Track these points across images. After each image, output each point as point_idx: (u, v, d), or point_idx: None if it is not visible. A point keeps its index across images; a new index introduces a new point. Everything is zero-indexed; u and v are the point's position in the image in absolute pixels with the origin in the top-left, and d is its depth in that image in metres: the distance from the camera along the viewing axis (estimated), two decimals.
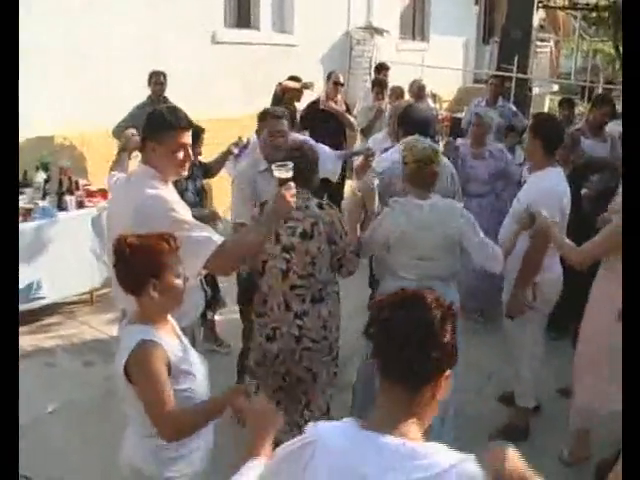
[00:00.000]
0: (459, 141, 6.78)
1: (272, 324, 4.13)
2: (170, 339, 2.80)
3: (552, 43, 19.05)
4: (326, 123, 8.22)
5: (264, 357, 4.19)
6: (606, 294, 4.15)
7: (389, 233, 4.18)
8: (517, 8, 13.00)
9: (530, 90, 13.40)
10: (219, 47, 9.74)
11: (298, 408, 4.27)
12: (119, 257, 2.75)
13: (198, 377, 2.86)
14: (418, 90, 10.16)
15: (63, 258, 6.27)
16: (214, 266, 3.30)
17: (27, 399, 4.92)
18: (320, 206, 4.04)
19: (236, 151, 5.72)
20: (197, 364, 2.90)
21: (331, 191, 7.86)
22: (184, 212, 3.32)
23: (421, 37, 15.71)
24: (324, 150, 6.14)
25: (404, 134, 5.05)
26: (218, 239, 3.23)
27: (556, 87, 19.13)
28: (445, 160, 4.99)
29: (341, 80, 8.64)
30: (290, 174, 3.32)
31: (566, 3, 15.46)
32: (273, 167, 3.35)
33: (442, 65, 14.20)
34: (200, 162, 5.72)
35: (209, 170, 5.88)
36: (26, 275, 5.91)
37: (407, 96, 9.56)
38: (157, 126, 3.38)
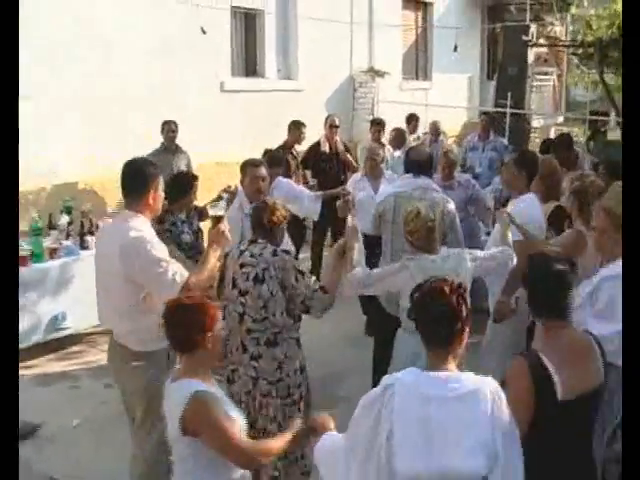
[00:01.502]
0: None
1: (231, 366, 4.34)
2: (215, 389, 3.09)
3: (555, 76, 19.63)
4: (326, 163, 8.87)
5: (231, 399, 4.25)
6: None
7: (403, 286, 4.32)
8: (512, 46, 13.70)
9: (528, 123, 14.02)
10: (227, 95, 10.41)
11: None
12: (173, 319, 3.03)
13: (238, 419, 3.10)
14: (435, 130, 11.16)
15: (86, 292, 6.71)
16: None
17: (56, 414, 5.70)
18: (274, 253, 4.24)
19: (225, 196, 5.97)
20: (234, 409, 3.17)
21: (313, 229, 8.60)
22: (161, 250, 3.92)
23: (424, 76, 16.29)
24: (303, 191, 6.89)
25: (406, 172, 5.94)
26: (183, 275, 3.84)
27: (561, 118, 19.67)
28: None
29: (337, 123, 9.26)
30: (222, 212, 4.02)
31: (554, 41, 16.08)
32: (208, 206, 4.08)
33: (447, 101, 14.80)
34: (195, 207, 6.06)
35: (203, 213, 6.05)
36: (52, 307, 6.60)
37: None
38: (138, 177, 4.02)
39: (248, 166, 5.66)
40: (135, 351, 4.02)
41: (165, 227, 5.49)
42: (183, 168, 8.31)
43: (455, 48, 13.62)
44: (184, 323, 3.00)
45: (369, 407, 2.65)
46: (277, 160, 6.94)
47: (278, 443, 3.15)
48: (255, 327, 4.24)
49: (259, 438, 4.08)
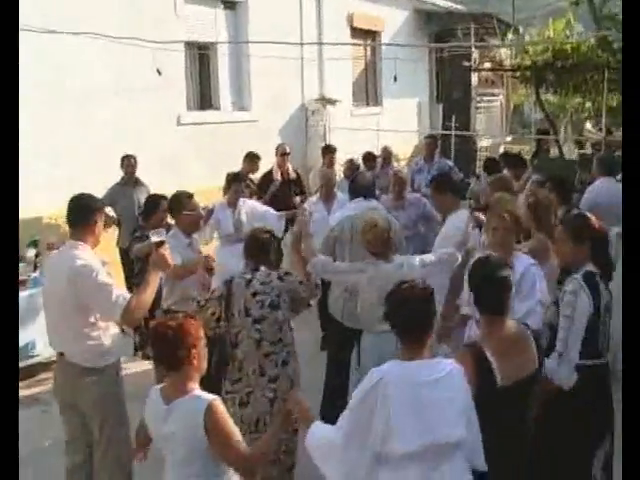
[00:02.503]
0: (383, 197, 7.92)
1: (247, 389, 4.53)
2: None
3: (502, 97, 20.36)
4: (278, 190, 9.32)
5: (241, 423, 4.35)
6: None
7: (361, 286, 5.00)
8: (456, 71, 14.38)
9: (474, 143, 14.65)
10: (183, 128, 10.86)
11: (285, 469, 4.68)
12: (159, 339, 3.17)
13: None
14: (387, 154, 11.44)
15: None
16: (125, 320, 4.34)
17: (27, 437, 5.99)
18: (280, 279, 4.60)
19: (204, 217, 6.73)
20: None
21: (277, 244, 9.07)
22: (105, 276, 4.31)
23: (374, 102, 16.83)
24: (267, 210, 7.47)
25: (352, 197, 6.51)
26: (125, 297, 4.23)
27: (509, 137, 20.39)
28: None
29: (287, 151, 9.79)
30: (163, 237, 4.41)
31: (497, 65, 16.79)
32: (150, 233, 4.45)
33: (397, 126, 15.41)
34: (169, 225, 6.39)
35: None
36: (23, 336, 6.89)
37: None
38: (83, 210, 4.45)
39: (182, 198, 5.88)
40: (88, 368, 4.38)
41: (135, 235, 6.57)
42: (143, 200, 8.68)
43: (395, 79, 14.16)
44: (170, 342, 3.14)
45: (364, 399, 3.05)
46: (237, 176, 7.90)
47: (268, 441, 3.38)
48: (272, 349, 4.54)
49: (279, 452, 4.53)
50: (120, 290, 4.33)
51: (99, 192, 8.29)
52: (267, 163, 9.75)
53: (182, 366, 3.17)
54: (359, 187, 6.55)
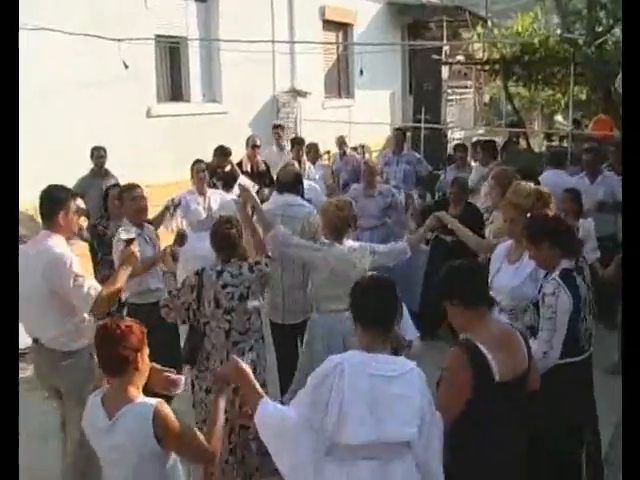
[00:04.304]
0: (354, 185, 8.04)
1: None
2: None
3: (474, 89, 20.48)
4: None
5: (205, 407, 4.60)
6: None
7: (316, 263, 5.06)
8: (427, 64, 14.45)
9: (445, 136, 14.78)
10: (154, 120, 10.91)
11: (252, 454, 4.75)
12: (104, 344, 3.10)
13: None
14: (341, 144, 11.75)
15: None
16: (96, 310, 4.47)
17: None
18: (251, 270, 4.73)
19: (172, 209, 6.88)
20: None
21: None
22: (78, 266, 4.44)
23: (346, 94, 16.94)
24: (236, 199, 7.57)
25: (278, 192, 6.26)
26: (97, 289, 4.38)
27: (482, 130, 20.49)
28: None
29: (258, 143, 9.90)
30: (132, 235, 4.57)
31: (468, 58, 16.97)
32: (120, 230, 4.60)
33: (370, 118, 15.46)
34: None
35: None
36: None
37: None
38: (54, 201, 4.55)
39: (126, 190, 5.96)
40: (64, 351, 4.55)
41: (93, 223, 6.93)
42: None
43: (361, 72, 14.25)
44: (114, 346, 3.07)
45: (320, 383, 3.01)
46: (197, 161, 8.02)
47: (215, 427, 3.27)
48: (240, 339, 4.70)
49: (242, 443, 4.67)
50: (91, 281, 4.48)
51: (69, 184, 8.34)
52: (236, 156, 9.76)
53: (127, 370, 3.10)
54: (277, 181, 6.53)
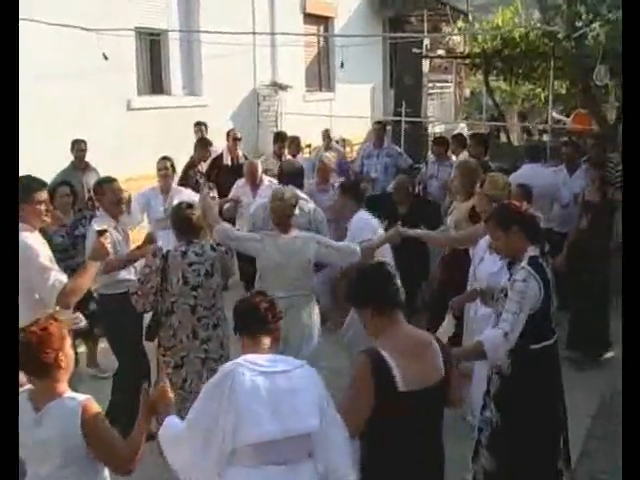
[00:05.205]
0: (310, 181, 8.12)
1: (181, 353, 4.91)
2: None
3: (454, 84, 20.54)
4: (229, 175, 9.37)
5: (172, 383, 4.71)
6: None
7: (256, 254, 5.29)
8: (407, 58, 14.47)
9: (425, 130, 14.83)
10: (134, 113, 10.87)
11: None
12: (26, 347, 3.02)
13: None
14: (326, 137, 11.88)
15: None
16: (59, 303, 4.41)
17: None
18: (213, 249, 5.04)
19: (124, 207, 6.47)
20: None
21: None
22: (45, 257, 4.42)
23: (327, 87, 16.98)
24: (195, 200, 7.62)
25: (281, 184, 6.53)
26: (62, 282, 4.34)
27: (463, 124, 20.55)
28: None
29: (238, 136, 9.86)
30: (105, 226, 4.62)
31: (449, 52, 17.03)
32: (94, 221, 4.67)
33: (351, 111, 15.47)
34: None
35: None
36: None
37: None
38: (24, 191, 4.43)
39: (104, 183, 5.90)
40: None
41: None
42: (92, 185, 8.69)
43: (342, 65, 14.19)
44: (35, 349, 3.02)
45: (212, 391, 3.03)
46: (164, 158, 7.99)
47: (138, 437, 3.18)
48: (205, 314, 4.95)
49: None
50: (58, 274, 4.43)
51: (48, 177, 8.33)
52: (216, 149, 9.81)
53: (50, 372, 3.06)
54: (280, 174, 6.97)
